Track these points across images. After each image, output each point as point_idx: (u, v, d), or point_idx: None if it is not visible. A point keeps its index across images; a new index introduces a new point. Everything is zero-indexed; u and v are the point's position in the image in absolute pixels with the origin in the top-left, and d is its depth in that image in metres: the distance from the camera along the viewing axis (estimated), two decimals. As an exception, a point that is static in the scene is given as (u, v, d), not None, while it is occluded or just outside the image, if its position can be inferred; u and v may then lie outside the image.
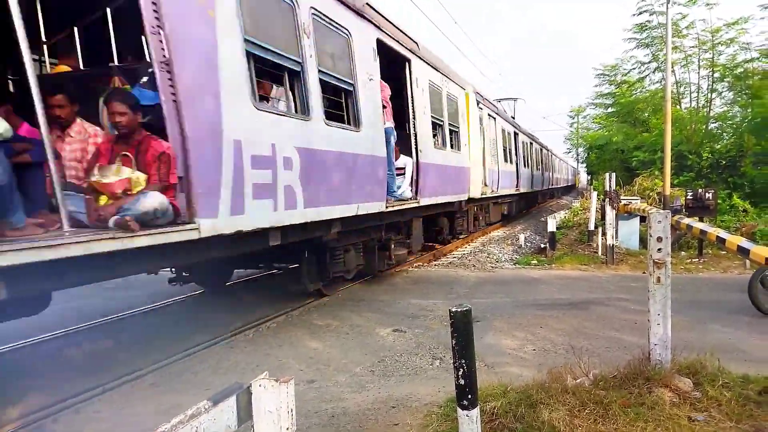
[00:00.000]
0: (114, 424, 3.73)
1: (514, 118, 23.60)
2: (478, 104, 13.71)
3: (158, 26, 3.66)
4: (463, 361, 2.56)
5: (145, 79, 4.58)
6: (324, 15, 5.95)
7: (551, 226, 12.24)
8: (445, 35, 17.63)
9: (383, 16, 7.69)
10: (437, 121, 10.18)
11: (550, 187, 34.38)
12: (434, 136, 9.93)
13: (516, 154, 20.11)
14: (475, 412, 2.64)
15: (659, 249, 3.71)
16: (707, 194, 10.93)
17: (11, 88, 5.79)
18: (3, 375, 4.81)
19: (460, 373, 2.57)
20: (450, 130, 11.05)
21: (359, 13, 6.81)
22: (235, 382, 2.04)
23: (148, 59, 4.31)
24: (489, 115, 15.38)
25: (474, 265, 10.73)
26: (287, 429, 1.96)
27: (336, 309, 6.96)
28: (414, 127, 8.76)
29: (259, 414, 1.96)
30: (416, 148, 8.78)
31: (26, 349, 5.49)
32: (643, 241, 11.06)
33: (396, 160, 8.31)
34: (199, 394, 3.99)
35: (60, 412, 3.87)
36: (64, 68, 5.58)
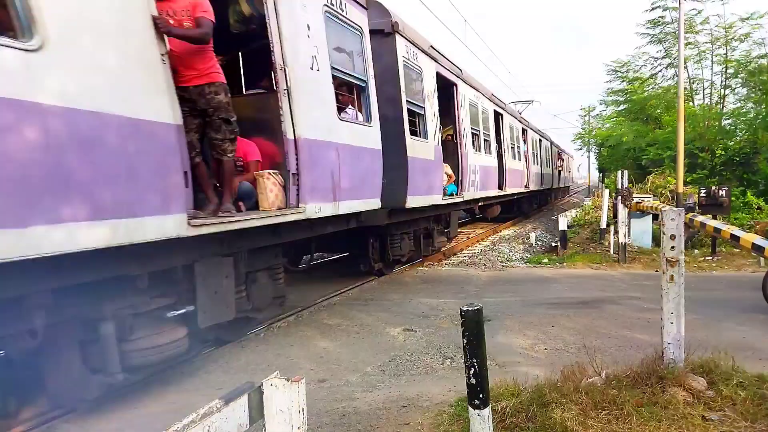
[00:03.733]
0: (127, 423, 3.76)
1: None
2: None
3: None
4: (475, 360, 2.56)
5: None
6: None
7: (562, 224, 12.19)
8: (452, 32, 16.74)
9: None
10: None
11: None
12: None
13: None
14: (487, 412, 2.63)
15: (672, 247, 3.67)
16: (721, 191, 10.82)
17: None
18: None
19: (472, 372, 2.57)
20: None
21: None
22: (247, 382, 2.04)
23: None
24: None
25: (485, 264, 10.70)
26: (298, 428, 1.97)
27: (346, 308, 6.96)
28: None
29: (271, 413, 1.96)
30: None
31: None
32: (656, 240, 10.98)
33: None
34: (211, 393, 4.01)
35: (73, 411, 3.91)
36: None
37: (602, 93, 49.12)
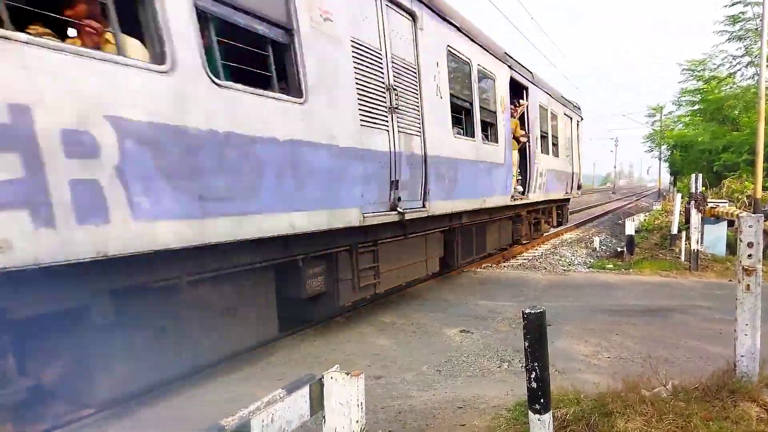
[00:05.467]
0: (192, 410, 3.92)
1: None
2: None
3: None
4: (536, 364, 2.52)
5: None
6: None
7: (629, 228, 11.72)
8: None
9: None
10: None
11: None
12: None
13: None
14: (548, 417, 2.58)
15: (749, 255, 3.48)
16: (804, 198, 10.13)
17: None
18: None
19: (533, 376, 2.53)
20: None
21: None
22: (307, 373, 2.10)
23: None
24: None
25: (545, 268, 10.47)
26: (357, 422, 2.00)
27: (402, 307, 6.99)
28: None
29: (331, 406, 2.01)
30: None
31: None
32: (731, 247, 10.41)
33: None
34: (269, 384, 4.12)
35: (144, 395, 4.11)
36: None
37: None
